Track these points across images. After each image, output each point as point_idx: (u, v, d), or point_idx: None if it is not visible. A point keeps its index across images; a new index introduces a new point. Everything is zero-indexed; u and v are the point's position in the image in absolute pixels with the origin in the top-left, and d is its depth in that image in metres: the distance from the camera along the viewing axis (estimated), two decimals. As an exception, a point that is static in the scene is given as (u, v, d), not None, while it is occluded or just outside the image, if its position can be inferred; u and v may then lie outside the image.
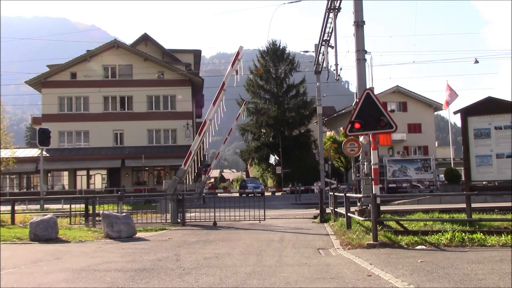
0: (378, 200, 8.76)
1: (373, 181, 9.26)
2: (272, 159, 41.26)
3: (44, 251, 8.24)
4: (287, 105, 49.34)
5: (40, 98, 40.33)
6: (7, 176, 38.20)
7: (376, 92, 13.65)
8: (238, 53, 15.74)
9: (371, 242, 7.80)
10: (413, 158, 37.03)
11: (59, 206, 22.29)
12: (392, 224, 9.97)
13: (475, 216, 10.69)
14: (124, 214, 11.60)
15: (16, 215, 13.96)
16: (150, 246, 8.79)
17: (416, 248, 7.51)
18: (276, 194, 41.20)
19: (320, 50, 24.95)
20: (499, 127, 9.78)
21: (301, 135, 48.88)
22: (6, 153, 26.25)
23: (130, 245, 9.00)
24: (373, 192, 8.56)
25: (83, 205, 14.03)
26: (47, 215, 10.61)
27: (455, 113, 10.79)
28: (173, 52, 46.33)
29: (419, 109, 48.36)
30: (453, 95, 29.85)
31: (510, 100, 9.96)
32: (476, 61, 29.30)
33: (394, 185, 32.04)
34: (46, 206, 22.95)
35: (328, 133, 51.75)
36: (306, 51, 31.57)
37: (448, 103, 30.01)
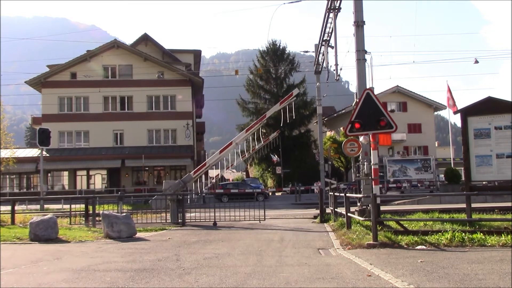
0: (378, 200, 8.76)
1: (373, 181, 9.26)
2: (273, 158, 41.33)
3: (44, 251, 8.24)
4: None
5: (40, 98, 40.33)
6: (7, 176, 38.21)
7: (376, 92, 13.68)
8: (291, 94, 16.23)
9: (371, 242, 7.80)
10: (413, 158, 37.04)
11: (59, 206, 22.31)
12: (392, 224, 9.97)
13: (475, 216, 10.69)
14: (124, 214, 11.60)
15: (16, 215, 13.96)
16: (150, 246, 8.79)
17: (416, 248, 7.51)
18: (276, 194, 41.20)
19: (320, 50, 24.95)
20: (499, 127, 9.78)
21: (301, 135, 48.84)
22: (6, 153, 26.26)
23: (130, 245, 9.00)
24: (373, 192, 8.56)
25: (83, 205, 14.04)
26: (47, 215, 10.61)
27: (455, 113, 10.83)
28: (173, 52, 46.33)
29: (419, 109, 48.35)
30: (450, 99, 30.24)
31: (510, 100, 9.98)
32: (476, 61, 29.31)
33: (394, 185, 32.09)
34: (46, 206, 22.97)
35: (328, 133, 51.76)
36: (306, 51, 31.59)
37: (454, 102, 30.09)
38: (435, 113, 52.23)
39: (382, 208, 12.11)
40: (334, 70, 22.11)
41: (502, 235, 7.99)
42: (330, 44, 22.19)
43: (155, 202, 15.18)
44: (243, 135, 16.53)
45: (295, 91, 16.30)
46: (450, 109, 30.54)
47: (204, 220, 13.75)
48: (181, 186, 14.91)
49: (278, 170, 42.10)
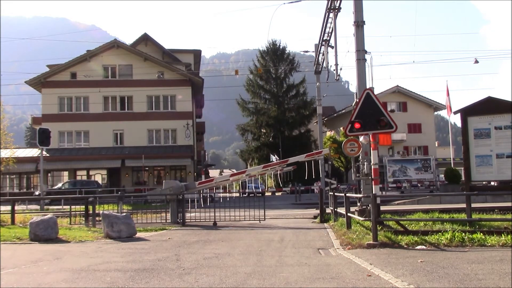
0: (378, 200, 8.75)
1: (373, 181, 9.26)
2: (273, 159, 41.30)
3: (44, 251, 8.23)
4: (287, 105, 49.37)
5: (40, 98, 40.32)
6: (7, 176, 38.19)
7: (376, 92, 13.66)
8: (320, 152, 16.26)
9: (371, 242, 7.80)
10: (413, 158, 37.08)
11: (59, 206, 22.32)
12: (392, 224, 9.97)
13: (475, 216, 10.69)
14: (124, 214, 11.60)
15: (16, 215, 13.95)
16: (150, 246, 8.79)
17: (416, 248, 7.51)
18: (276, 194, 41.22)
19: (320, 50, 24.95)
20: (499, 127, 9.78)
21: (301, 135, 48.89)
22: (6, 153, 26.25)
23: (130, 245, 9.00)
24: (373, 192, 8.56)
25: (83, 205, 14.03)
26: (47, 215, 10.61)
27: (455, 113, 10.80)
28: (173, 52, 46.33)
29: (419, 109, 48.37)
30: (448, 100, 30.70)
31: (510, 100, 9.97)
32: (476, 61, 29.30)
33: (394, 185, 32.10)
34: (46, 206, 22.97)
35: (328, 133, 51.77)
36: (306, 51, 31.59)
37: (451, 108, 30.49)
38: (435, 113, 52.31)
39: (382, 208, 12.11)
40: (334, 70, 22.11)
41: (502, 235, 7.98)
42: (330, 44, 22.19)
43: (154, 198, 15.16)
44: (259, 170, 16.79)
45: (325, 151, 16.22)
46: (451, 112, 30.94)
47: (204, 220, 13.75)
48: (183, 190, 14.93)
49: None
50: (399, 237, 8.26)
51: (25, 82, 39.29)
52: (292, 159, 15.69)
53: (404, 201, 21.00)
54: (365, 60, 12.40)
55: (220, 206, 13.41)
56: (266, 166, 16.49)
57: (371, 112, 8.97)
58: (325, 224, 12.60)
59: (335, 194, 13.75)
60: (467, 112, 10.18)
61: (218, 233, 10.89)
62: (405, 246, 7.66)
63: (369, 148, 10.79)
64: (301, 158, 15.84)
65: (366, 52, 12.38)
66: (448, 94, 30.69)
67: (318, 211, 14.33)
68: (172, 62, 42.65)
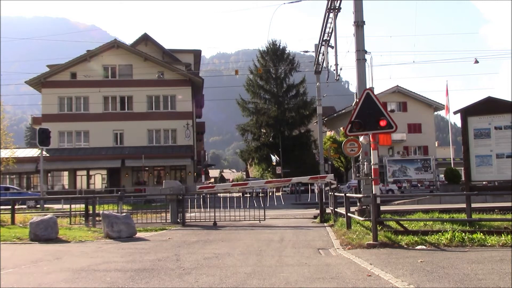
0: (378, 200, 8.75)
1: (373, 181, 9.26)
2: (273, 159, 41.33)
3: (44, 251, 8.23)
4: (287, 105, 49.35)
5: (40, 98, 40.35)
6: (7, 176, 38.19)
7: (376, 92, 13.67)
8: (325, 177, 16.56)
9: (371, 242, 7.80)
10: (413, 158, 37.10)
11: (59, 206, 22.33)
12: (392, 224, 9.97)
13: (475, 216, 10.69)
14: (124, 214, 11.59)
15: (16, 215, 13.95)
16: (150, 246, 8.79)
17: (416, 248, 7.51)
18: (276, 194, 41.17)
19: (320, 50, 24.95)
20: (499, 127, 9.78)
21: (301, 135, 48.87)
22: (6, 153, 26.27)
23: (130, 245, 8.99)
24: (373, 192, 8.56)
25: (83, 205, 14.03)
26: (47, 215, 10.61)
27: (455, 113, 10.79)
28: (173, 52, 46.35)
29: (419, 109, 48.39)
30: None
31: (510, 100, 9.96)
32: (476, 61, 29.29)
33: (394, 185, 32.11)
34: (46, 206, 22.98)
35: (328, 133, 51.79)
36: (306, 51, 31.58)
37: (448, 108, 30.67)
38: (435, 113, 52.35)
39: (382, 208, 12.11)
40: (334, 70, 22.13)
41: (502, 235, 7.98)
42: (330, 44, 22.20)
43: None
44: (262, 183, 17.08)
45: (329, 176, 16.43)
46: (451, 112, 31.21)
47: (204, 220, 13.74)
48: (183, 191, 14.95)
49: (278, 170, 42.12)
50: (399, 237, 8.26)
51: (25, 82, 39.32)
52: (295, 179, 15.85)
53: (404, 201, 21.00)
54: (365, 60, 12.41)
55: (220, 206, 13.40)
56: (269, 181, 16.67)
57: (371, 112, 8.96)
58: (325, 224, 12.59)
59: (335, 194, 13.75)
60: (467, 112, 10.18)
61: (218, 233, 10.88)
62: (405, 246, 7.66)
63: (369, 148, 10.79)
64: (305, 179, 15.96)
65: (366, 52, 12.39)
66: (447, 94, 30.78)
67: (318, 211, 14.32)
68: (172, 62, 42.67)
